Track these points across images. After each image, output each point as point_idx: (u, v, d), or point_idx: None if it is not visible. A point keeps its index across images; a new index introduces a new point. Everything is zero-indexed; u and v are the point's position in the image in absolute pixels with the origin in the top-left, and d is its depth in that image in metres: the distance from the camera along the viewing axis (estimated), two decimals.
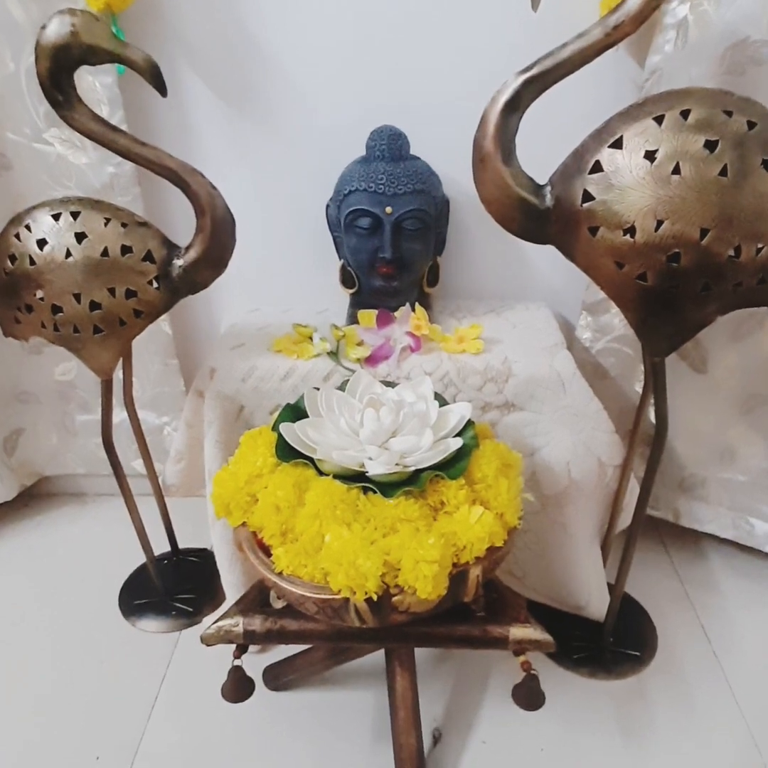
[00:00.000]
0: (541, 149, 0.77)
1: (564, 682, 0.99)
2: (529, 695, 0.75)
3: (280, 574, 0.66)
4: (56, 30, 0.69)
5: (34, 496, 1.36)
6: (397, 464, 0.69)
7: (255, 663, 0.97)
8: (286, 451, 0.72)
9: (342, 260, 1.03)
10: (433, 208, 0.96)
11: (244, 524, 0.71)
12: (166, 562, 1.18)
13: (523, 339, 1.00)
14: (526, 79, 0.72)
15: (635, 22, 0.69)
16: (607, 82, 0.99)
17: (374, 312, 0.97)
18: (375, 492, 0.68)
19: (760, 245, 0.68)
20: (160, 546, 1.16)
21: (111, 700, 0.97)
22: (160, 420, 1.25)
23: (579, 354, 1.13)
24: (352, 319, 1.03)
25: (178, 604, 1.11)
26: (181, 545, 1.20)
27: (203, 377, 0.96)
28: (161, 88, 0.73)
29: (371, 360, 0.93)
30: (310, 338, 0.96)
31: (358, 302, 1.04)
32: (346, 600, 0.63)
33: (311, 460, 0.71)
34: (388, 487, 0.68)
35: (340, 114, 1.03)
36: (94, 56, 0.71)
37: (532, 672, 0.74)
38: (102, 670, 1.01)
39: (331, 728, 0.93)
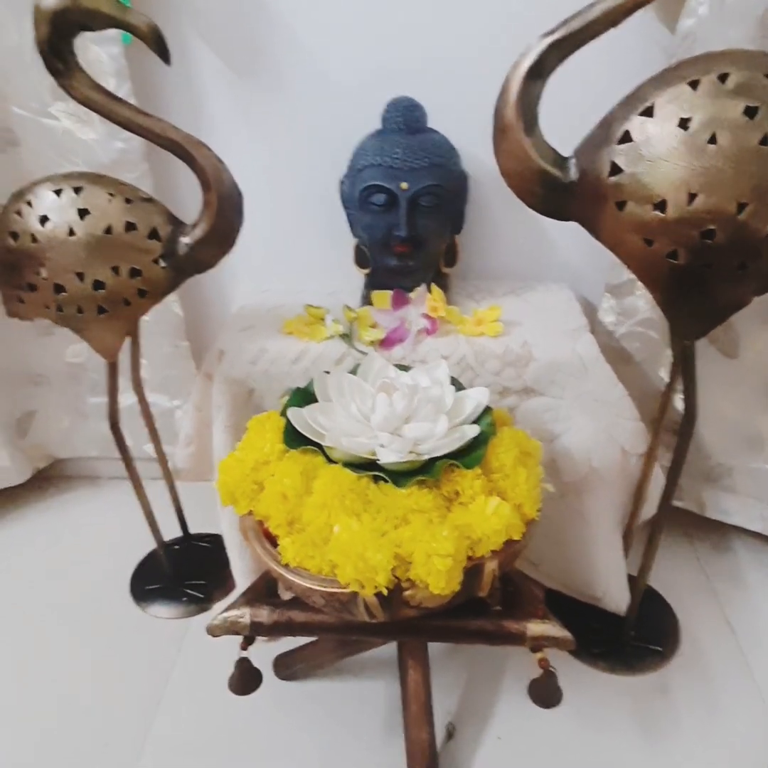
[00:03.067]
0: (559, 120, 0.72)
1: (582, 676, 0.95)
2: (546, 693, 0.72)
3: (286, 565, 0.63)
4: None
5: (48, 478, 1.35)
6: (410, 452, 0.66)
7: (266, 651, 0.95)
8: (295, 438, 0.69)
9: (356, 239, 1.00)
10: (451, 184, 0.91)
11: (250, 513, 0.69)
12: (177, 547, 1.17)
13: (544, 322, 0.96)
14: (551, 43, 0.67)
15: None
16: (633, 48, 0.94)
17: (389, 293, 0.93)
18: (386, 481, 0.64)
19: None
20: (173, 530, 1.15)
21: (120, 687, 0.96)
22: (171, 403, 1.23)
23: (601, 338, 1.08)
24: (366, 300, 0.99)
25: (188, 590, 1.09)
26: (193, 530, 1.18)
27: (212, 360, 0.93)
28: (164, 55, 0.70)
29: (386, 343, 0.90)
30: (322, 320, 0.93)
31: (372, 283, 1.00)
32: (355, 594, 0.60)
33: (320, 446, 0.68)
34: (400, 475, 0.65)
35: (355, 85, 0.99)
36: (94, 21, 0.67)
37: (551, 669, 0.71)
38: (112, 656, 1.00)
39: (342, 720, 0.91)
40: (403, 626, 0.71)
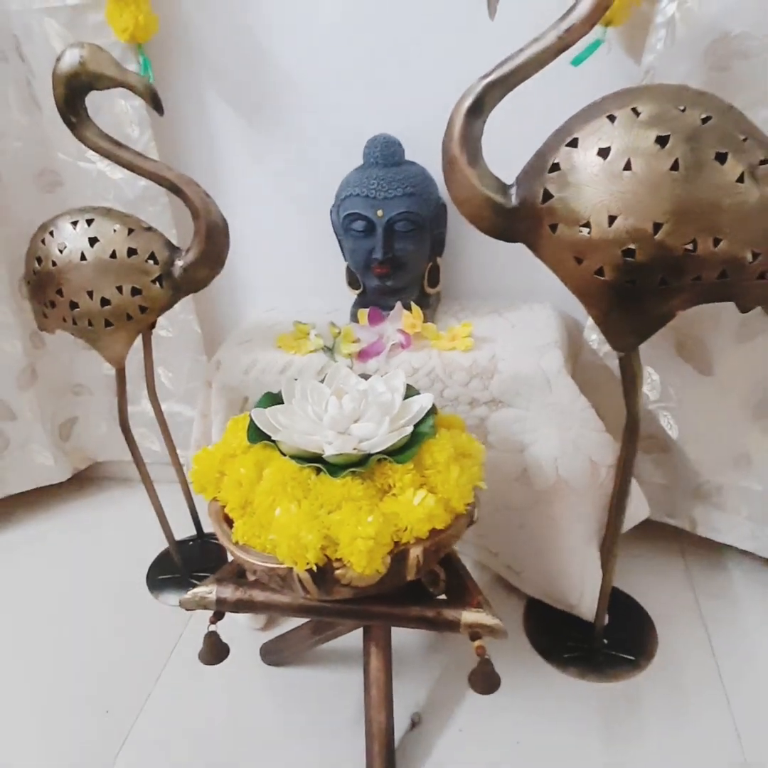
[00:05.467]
0: None
1: (552, 680, 0.99)
2: (484, 680, 0.77)
3: (236, 543, 0.72)
4: (68, 61, 0.79)
5: (87, 479, 1.51)
6: (354, 449, 0.74)
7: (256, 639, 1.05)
8: (256, 434, 0.78)
9: (347, 262, 1.09)
10: (426, 211, 1.00)
11: (215, 499, 0.78)
12: (191, 543, 1.28)
13: (518, 338, 1.02)
14: (487, 84, 0.75)
15: (587, 24, 0.71)
16: (607, 82, 0.98)
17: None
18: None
19: (717, 238, 0.68)
20: (190, 529, 1.27)
21: (125, 662, 1.07)
22: (193, 412, 1.35)
23: (587, 356, 1.12)
24: (355, 318, 1.08)
25: (196, 582, 1.18)
26: (207, 529, 1.29)
27: (211, 369, 1.04)
28: (158, 109, 0.82)
29: (362, 355, 0.98)
30: (308, 335, 1.02)
31: (362, 302, 1.09)
32: (290, 569, 0.68)
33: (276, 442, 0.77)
34: (339, 468, 0.72)
35: (348, 126, 1.09)
36: (100, 82, 0.81)
37: (486, 657, 0.76)
38: (121, 635, 1.12)
39: (319, 702, 0.98)
40: (350, 609, 0.77)
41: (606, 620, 1.00)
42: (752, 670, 0.98)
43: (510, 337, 1.02)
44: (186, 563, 1.22)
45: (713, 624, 1.06)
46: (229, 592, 0.80)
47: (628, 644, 1.02)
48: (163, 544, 1.28)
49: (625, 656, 1.00)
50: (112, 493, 1.49)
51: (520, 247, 1.13)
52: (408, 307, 1.02)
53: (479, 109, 0.76)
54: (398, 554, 0.69)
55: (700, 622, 1.07)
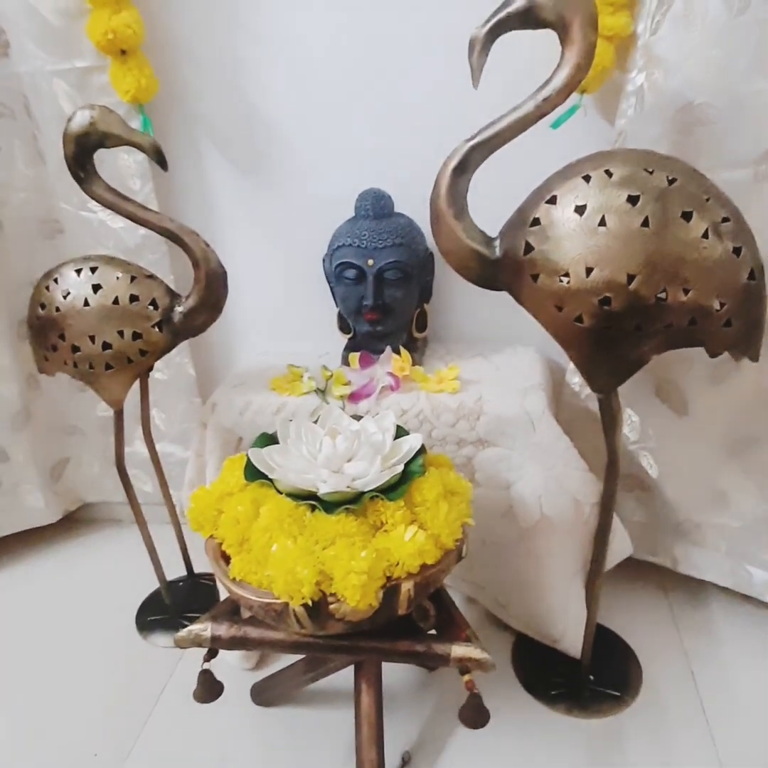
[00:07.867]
0: None
1: (539, 716, 1.00)
2: (474, 714, 0.79)
3: (233, 579, 0.74)
4: (79, 121, 0.85)
5: (77, 520, 1.51)
6: (347, 487, 0.77)
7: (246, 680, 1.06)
8: (253, 473, 0.81)
9: (339, 308, 1.14)
10: (414, 260, 1.05)
11: (212, 537, 0.81)
12: (181, 583, 1.29)
13: (502, 380, 1.07)
14: (472, 146, 0.81)
15: (561, 95, 0.77)
16: (583, 144, 1.06)
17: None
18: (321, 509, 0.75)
19: (686, 288, 0.73)
20: (182, 569, 1.27)
21: (114, 704, 1.07)
22: (186, 453, 1.38)
23: (569, 398, 1.17)
24: (346, 361, 1.12)
25: (185, 623, 1.19)
26: (198, 569, 1.30)
27: (206, 411, 1.07)
28: (162, 164, 0.88)
29: (353, 397, 1.02)
30: (301, 377, 1.06)
31: (353, 346, 1.14)
32: (286, 605, 0.71)
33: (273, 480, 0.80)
34: (334, 505, 0.75)
35: (340, 181, 1.14)
36: (109, 140, 0.86)
37: (475, 692, 0.78)
38: (110, 677, 1.12)
39: (310, 741, 0.99)
40: (342, 645, 0.79)
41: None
42: (735, 704, 1.00)
43: (495, 380, 1.07)
44: (176, 604, 1.22)
45: (696, 659, 1.08)
46: (223, 630, 0.81)
47: (614, 680, 1.04)
48: (151, 586, 1.29)
49: (610, 692, 1.02)
50: (102, 534, 1.49)
51: (503, 295, 1.20)
52: (397, 351, 1.06)
53: (464, 168, 0.82)
54: (390, 588, 0.72)
55: (684, 657, 1.09)
